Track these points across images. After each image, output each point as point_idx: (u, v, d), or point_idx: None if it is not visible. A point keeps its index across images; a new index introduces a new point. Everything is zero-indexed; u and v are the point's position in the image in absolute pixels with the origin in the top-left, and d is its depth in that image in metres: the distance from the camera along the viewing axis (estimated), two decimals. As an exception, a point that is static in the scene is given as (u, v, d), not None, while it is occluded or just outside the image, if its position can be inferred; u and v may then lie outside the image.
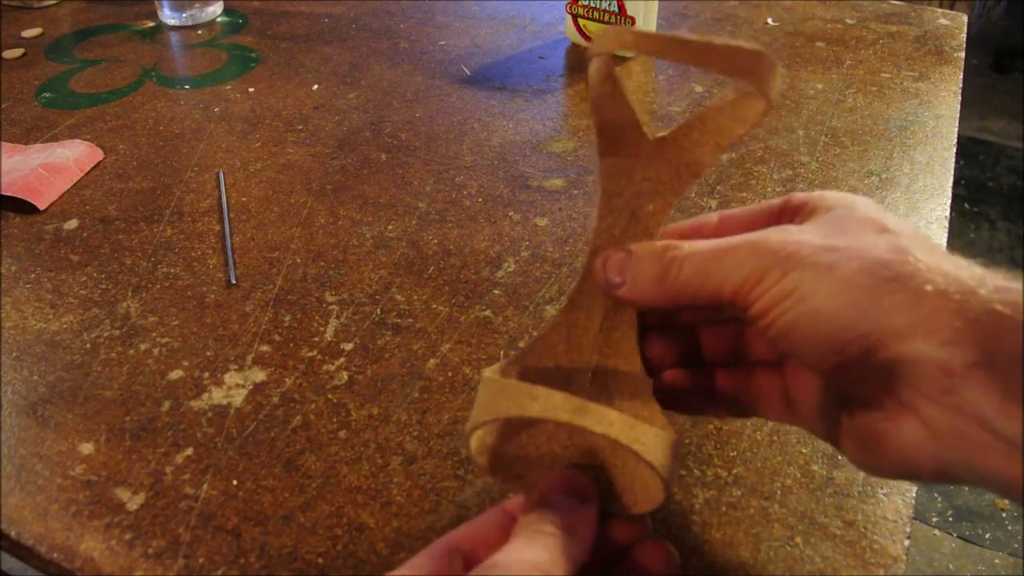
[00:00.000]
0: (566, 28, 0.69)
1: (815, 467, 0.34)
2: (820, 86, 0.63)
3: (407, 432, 0.36)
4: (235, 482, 0.33)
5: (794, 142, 0.56)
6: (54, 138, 0.57)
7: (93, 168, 0.54)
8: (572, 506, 0.26)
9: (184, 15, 0.74)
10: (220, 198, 0.51)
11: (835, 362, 0.24)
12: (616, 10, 0.64)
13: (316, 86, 0.63)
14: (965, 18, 0.74)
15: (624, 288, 0.28)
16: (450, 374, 0.38)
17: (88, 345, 0.40)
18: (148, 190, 0.52)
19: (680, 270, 0.26)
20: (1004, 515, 1.22)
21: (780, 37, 0.71)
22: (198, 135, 0.57)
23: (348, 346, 0.40)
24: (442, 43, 0.70)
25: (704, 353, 0.31)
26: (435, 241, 0.47)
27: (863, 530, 0.31)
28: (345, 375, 0.38)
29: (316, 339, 0.40)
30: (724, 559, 0.31)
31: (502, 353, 0.39)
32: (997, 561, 1.16)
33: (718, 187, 0.51)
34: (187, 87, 0.64)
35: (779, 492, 0.33)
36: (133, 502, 0.33)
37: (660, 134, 0.29)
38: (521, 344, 0.40)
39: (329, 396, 0.37)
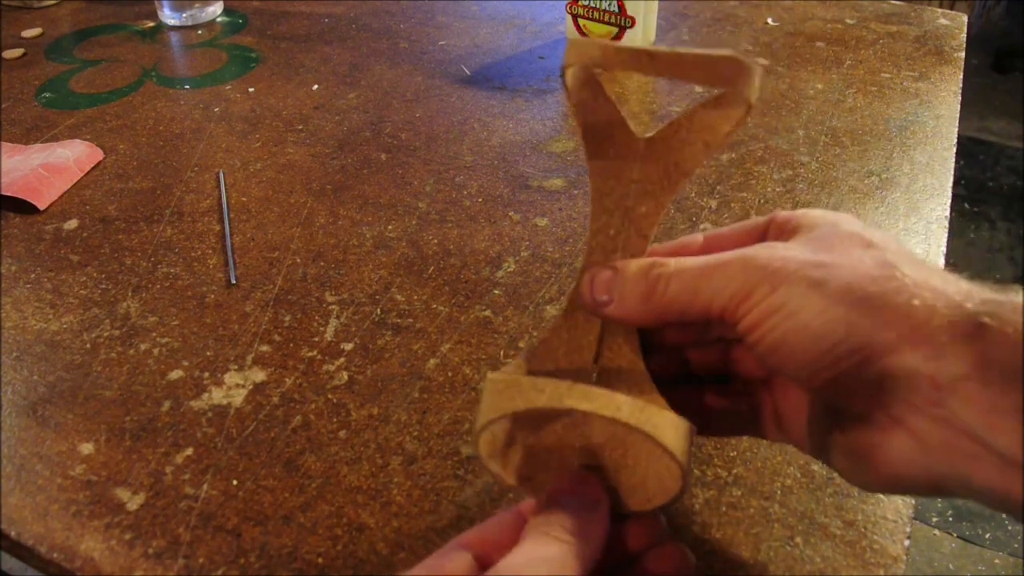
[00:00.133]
0: (566, 28, 0.69)
1: (815, 467, 0.34)
2: (820, 86, 0.63)
3: (407, 432, 0.36)
4: (235, 482, 0.33)
5: (794, 142, 0.56)
6: (54, 138, 0.57)
7: (93, 168, 0.54)
8: (583, 506, 0.26)
9: (184, 15, 0.74)
10: (220, 198, 0.51)
11: (824, 377, 0.24)
12: (616, 10, 0.64)
13: (316, 86, 0.63)
14: (965, 18, 0.74)
15: (611, 306, 0.28)
16: (450, 374, 0.38)
17: (88, 345, 0.40)
18: (148, 190, 0.52)
19: (667, 287, 0.26)
20: (1004, 515, 1.22)
21: (780, 37, 0.71)
22: (198, 135, 0.57)
23: (348, 346, 0.40)
24: (442, 43, 0.70)
25: (693, 371, 0.31)
26: (435, 241, 0.47)
27: (863, 530, 0.31)
28: (345, 375, 0.38)
29: (316, 339, 0.40)
30: (724, 559, 0.31)
31: (502, 353, 0.39)
32: (997, 561, 1.16)
33: (718, 187, 0.51)
34: (187, 87, 0.64)
35: (779, 492, 0.33)
36: (133, 502, 0.33)
37: (648, 134, 0.29)
38: (521, 344, 0.40)
39: (329, 396, 0.37)
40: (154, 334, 0.41)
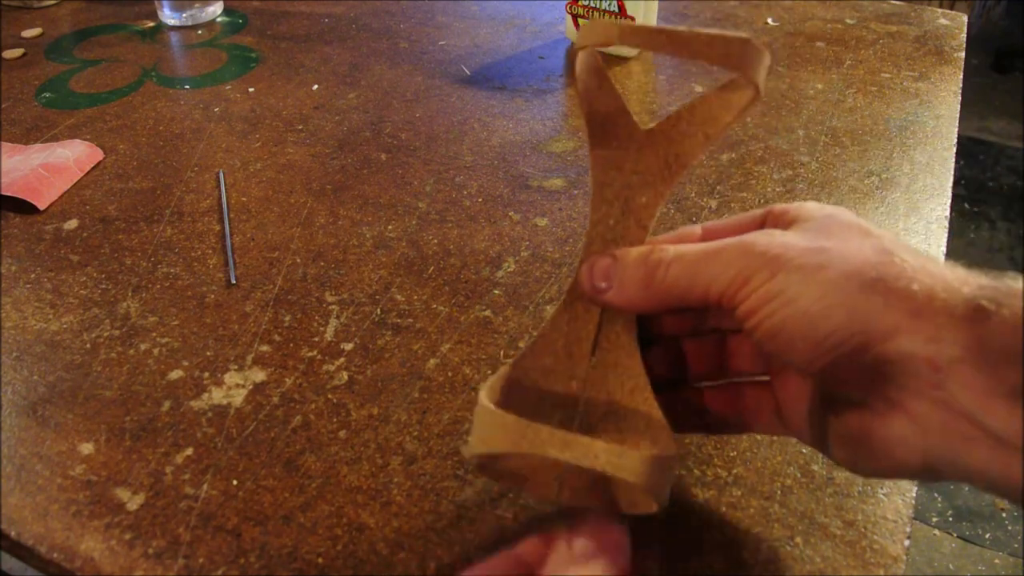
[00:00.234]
0: (566, 28, 0.69)
1: (815, 467, 0.34)
2: (820, 86, 0.63)
3: (407, 432, 0.36)
4: (235, 482, 0.33)
5: (794, 142, 0.56)
6: (54, 138, 0.57)
7: (93, 168, 0.54)
8: (603, 530, 0.25)
9: (184, 15, 0.74)
10: (220, 198, 0.51)
11: (823, 363, 0.24)
12: (616, 10, 0.64)
13: (316, 86, 0.63)
14: (965, 18, 0.74)
15: (610, 293, 0.28)
16: (450, 374, 0.38)
17: (88, 345, 0.40)
18: (148, 190, 0.52)
19: (667, 273, 0.26)
20: (1004, 515, 1.22)
21: (780, 37, 0.71)
22: (198, 135, 0.57)
23: (348, 346, 0.40)
24: (442, 43, 0.70)
25: (689, 363, 0.32)
26: (435, 241, 0.47)
27: (863, 530, 0.31)
28: (345, 375, 0.38)
29: (316, 339, 0.40)
30: (724, 559, 0.31)
31: (502, 353, 0.39)
32: (997, 561, 1.16)
33: (718, 187, 0.51)
34: (187, 87, 0.64)
35: (779, 492, 0.33)
36: (133, 502, 0.33)
37: (649, 126, 0.29)
38: (521, 344, 0.40)
39: (329, 396, 0.37)
40: (154, 334, 0.41)
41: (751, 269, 0.25)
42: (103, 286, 0.44)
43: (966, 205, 1.86)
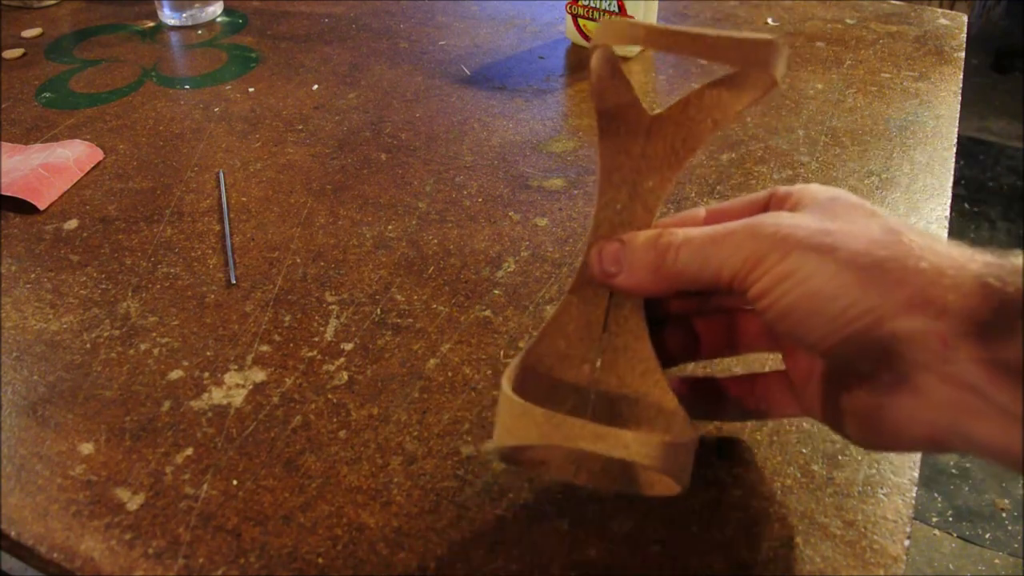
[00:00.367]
0: (566, 28, 0.69)
1: (815, 467, 0.34)
2: (820, 86, 0.63)
3: (407, 432, 0.36)
4: (235, 482, 0.33)
5: (794, 142, 0.56)
6: (54, 138, 0.57)
7: (93, 168, 0.54)
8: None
9: (184, 15, 0.74)
10: (220, 198, 0.51)
11: (835, 340, 0.24)
12: (616, 10, 0.64)
13: (316, 86, 0.63)
14: (965, 18, 0.74)
15: (621, 276, 0.28)
16: (450, 374, 0.38)
17: (88, 345, 0.40)
18: (148, 190, 0.52)
19: (677, 255, 0.27)
20: (1004, 515, 1.22)
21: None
22: (198, 135, 0.57)
23: (348, 346, 0.40)
24: (442, 43, 0.70)
25: (701, 341, 0.32)
26: (435, 241, 0.47)
27: (863, 530, 0.31)
28: (345, 375, 0.38)
29: (316, 339, 0.40)
30: (724, 559, 0.31)
31: (502, 353, 0.39)
32: (997, 561, 1.16)
33: (718, 187, 0.51)
34: (187, 87, 0.64)
35: (779, 492, 0.33)
36: (133, 502, 0.33)
37: (657, 111, 0.29)
38: (521, 344, 0.40)
39: (329, 396, 0.37)
40: (154, 334, 0.41)
41: (763, 250, 0.25)
42: (103, 286, 0.44)
43: (966, 205, 1.86)
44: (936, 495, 1.25)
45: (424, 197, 0.51)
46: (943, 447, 0.25)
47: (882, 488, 0.33)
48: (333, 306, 0.42)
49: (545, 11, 0.76)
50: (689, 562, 0.30)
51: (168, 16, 0.74)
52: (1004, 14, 2.58)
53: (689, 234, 0.27)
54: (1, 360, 0.39)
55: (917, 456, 0.34)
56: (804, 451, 0.35)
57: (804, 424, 0.35)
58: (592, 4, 0.65)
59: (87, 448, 0.35)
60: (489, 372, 0.38)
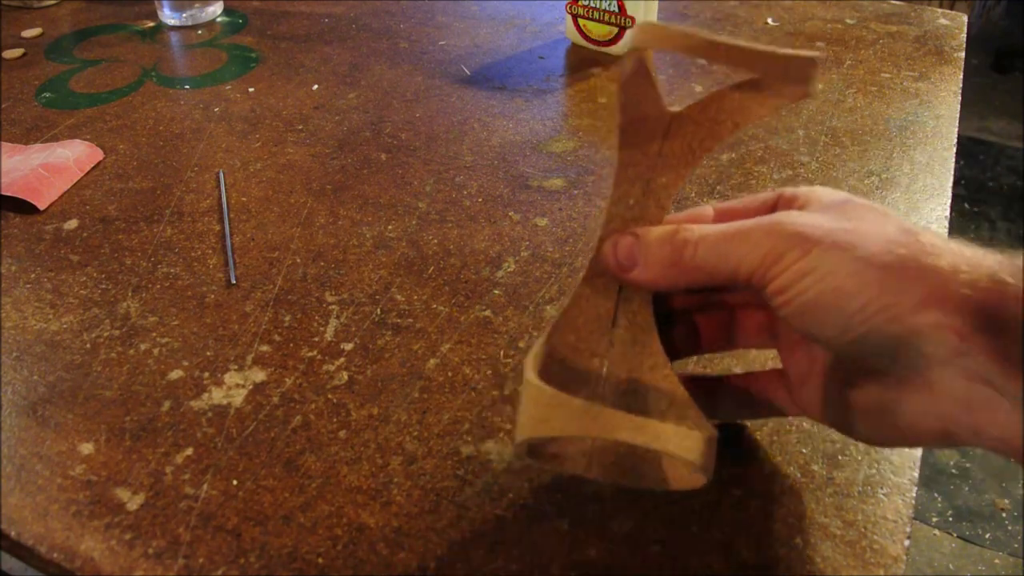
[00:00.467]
0: (566, 28, 0.69)
1: (815, 467, 0.34)
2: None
3: (407, 432, 0.36)
4: (235, 482, 0.33)
5: (794, 142, 0.56)
6: (54, 138, 0.57)
7: (93, 168, 0.54)
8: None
9: (184, 15, 0.74)
10: (220, 198, 0.51)
11: (853, 337, 0.25)
12: (616, 10, 0.64)
13: (316, 86, 0.63)
14: (965, 18, 0.74)
15: (636, 271, 0.29)
16: (450, 374, 0.38)
17: (88, 345, 0.40)
18: (148, 190, 0.52)
19: (695, 251, 0.27)
20: (1004, 515, 1.22)
21: (780, 37, 0.71)
22: (198, 135, 0.57)
23: (348, 346, 0.40)
24: (442, 43, 0.70)
25: (702, 337, 0.33)
26: (435, 241, 0.47)
27: (863, 530, 0.31)
28: (345, 375, 0.38)
29: (316, 339, 0.40)
30: (724, 559, 0.31)
31: (502, 353, 0.39)
32: (997, 561, 1.16)
33: (718, 187, 0.51)
34: (187, 87, 0.64)
35: (779, 492, 0.33)
36: (133, 502, 0.33)
37: (676, 109, 0.29)
38: (521, 344, 0.40)
39: (329, 396, 0.37)
40: (154, 334, 0.41)
41: (783, 247, 0.25)
42: (103, 286, 0.44)
43: (966, 205, 1.86)
44: (936, 495, 1.25)
45: (424, 197, 0.51)
46: (953, 441, 0.25)
47: (882, 488, 0.33)
48: (333, 306, 0.42)
49: (545, 11, 0.76)
50: (689, 562, 0.30)
51: (168, 16, 0.74)
52: (1004, 14, 2.58)
53: (705, 230, 0.27)
54: (1, 360, 0.39)
55: (917, 456, 0.35)
56: (804, 451, 0.35)
57: (804, 424, 0.36)
58: (592, 4, 0.65)
59: (87, 448, 0.35)
60: (489, 372, 0.38)
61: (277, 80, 0.64)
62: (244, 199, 0.50)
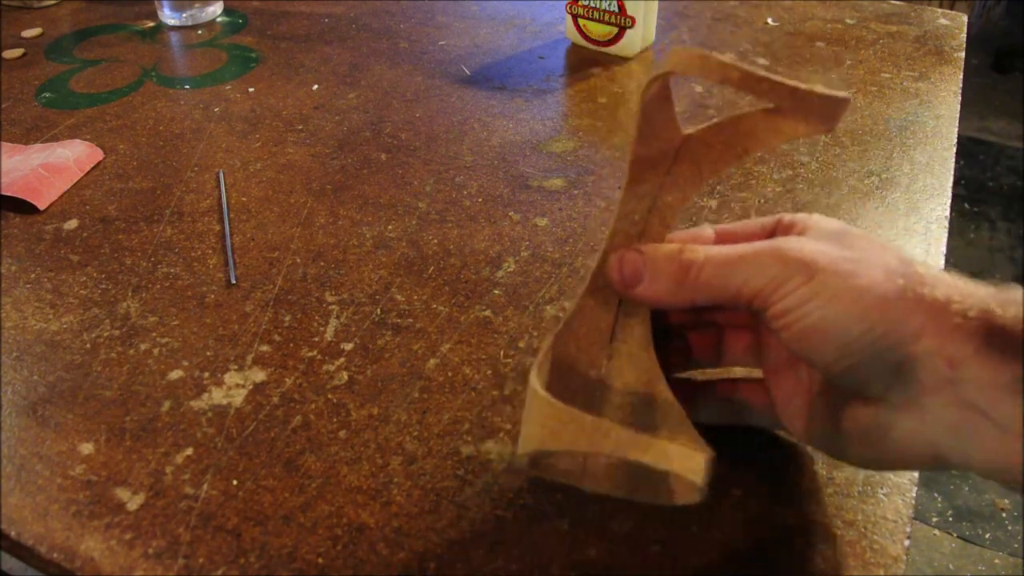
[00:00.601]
0: (566, 28, 0.69)
1: (815, 467, 0.34)
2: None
3: (407, 432, 0.36)
4: (235, 482, 0.33)
5: (794, 142, 0.56)
6: (54, 138, 0.57)
7: (93, 168, 0.54)
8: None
9: (184, 15, 0.74)
10: (220, 198, 0.51)
11: (850, 363, 0.26)
12: (616, 10, 0.64)
13: (316, 86, 0.63)
14: (965, 18, 0.74)
15: (641, 287, 0.29)
16: (450, 374, 0.38)
17: (88, 345, 0.40)
18: (148, 190, 0.52)
19: (700, 272, 0.28)
20: (1004, 515, 1.22)
21: (780, 37, 0.71)
22: (198, 135, 0.57)
23: (348, 346, 0.40)
24: (442, 43, 0.70)
25: (694, 354, 0.34)
26: (435, 241, 0.47)
27: (863, 530, 0.31)
28: (345, 375, 0.38)
29: (316, 339, 0.40)
30: (724, 559, 0.31)
31: (502, 353, 0.39)
32: (997, 561, 1.16)
33: (718, 187, 0.51)
34: (187, 87, 0.64)
35: (779, 492, 0.33)
36: (133, 502, 0.33)
37: (689, 131, 0.29)
38: (521, 344, 0.40)
39: (329, 396, 0.37)
40: (154, 334, 0.41)
41: (788, 272, 0.26)
42: (103, 286, 0.44)
43: (966, 205, 1.86)
44: (936, 495, 1.25)
45: (424, 197, 0.51)
46: (942, 465, 0.26)
47: (882, 488, 0.33)
48: (333, 306, 0.42)
49: (545, 11, 0.76)
50: (689, 562, 0.30)
51: (168, 16, 0.74)
52: (1004, 14, 2.58)
53: (710, 251, 0.28)
54: (1, 360, 0.39)
55: (917, 456, 0.35)
56: (804, 451, 0.34)
57: (804, 424, 0.36)
58: (592, 4, 0.65)
59: (87, 448, 0.35)
60: (489, 372, 0.38)
61: (277, 80, 0.64)
62: (244, 199, 0.51)
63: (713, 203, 0.50)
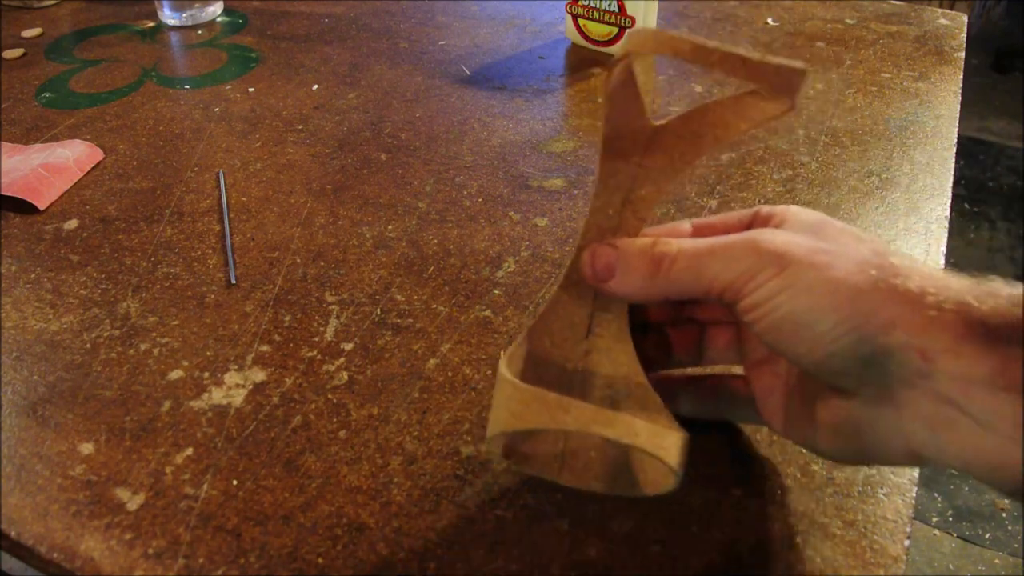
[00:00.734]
0: (566, 28, 0.69)
1: (815, 467, 0.34)
2: (820, 86, 0.63)
3: (407, 432, 0.36)
4: (235, 482, 0.33)
5: (794, 142, 0.56)
6: (54, 138, 0.57)
7: (93, 168, 0.54)
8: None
9: (184, 15, 0.74)
10: (220, 198, 0.51)
11: (822, 355, 0.25)
12: (616, 10, 0.64)
13: (316, 86, 0.63)
14: (965, 18, 0.74)
15: (613, 281, 0.29)
16: (450, 374, 0.38)
17: (88, 345, 0.40)
18: (148, 190, 0.52)
19: (672, 265, 0.28)
20: (1004, 515, 1.22)
21: (780, 37, 0.71)
22: (198, 135, 0.57)
23: (348, 346, 0.40)
24: (442, 43, 0.70)
25: (673, 350, 0.34)
26: (435, 241, 0.47)
27: (863, 530, 0.31)
28: (345, 375, 0.38)
29: (316, 339, 0.40)
30: (724, 559, 0.31)
31: (502, 353, 0.39)
32: (997, 561, 1.16)
33: (718, 187, 0.51)
34: (187, 87, 0.64)
35: (779, 492, 0.33)
36: (133, 502, 0.33)
37: (660, 122, 0.29)
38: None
39: (329, 396, 0.37)
40: (154, 334, 0.41)
41: (759, 264, 0.26)
42: (103, 286, 0.44)
43: (966, 205, 1.86)
44: (936, 495, 1.25)
45: (424, 197, 0.51)
46: (918, 461, 0.26)
47: (882, 488, 0.33)
48: (333, 306, 0.42)
49: (545, 11, 0.76)
50: (689, 562, 0.30)
51: (168, 16, 0.74)
52: (1004, 14, 2.58)
53: (683, 245, 0.28)
54: (1, 360, 0.39)
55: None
56: (804, 451, 0.34)
57: (804, 424, 0.36)
58: (592, 4, 0.65)
59: (87, 448, 0.35)
60: (489, 372, 0.38)
61: (277, 80, 0.64)
62: (244, 199, 0.51)
63: (713, 203, 0.50)
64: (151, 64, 0.67)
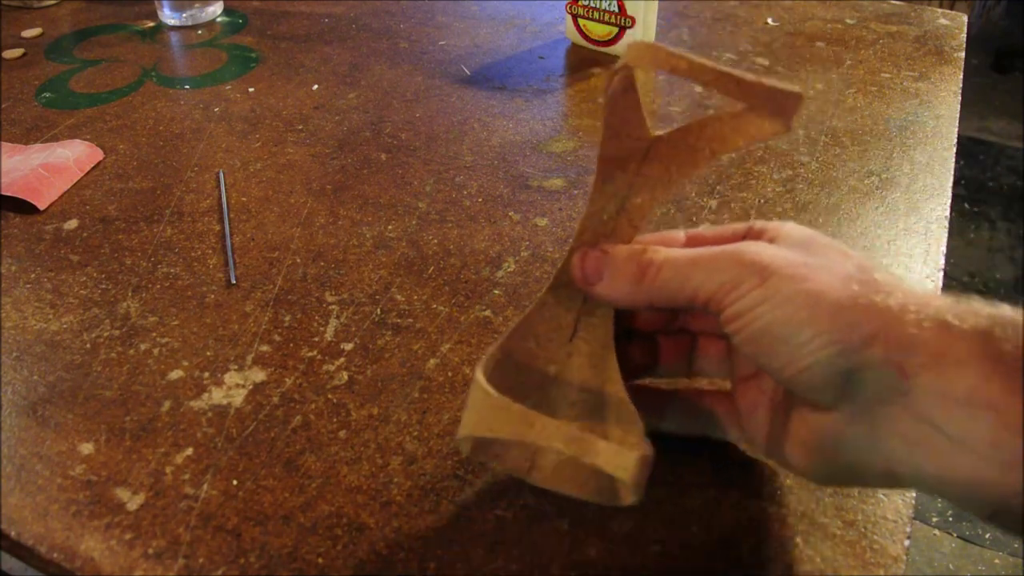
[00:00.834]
0: (566, 28, 0.69)
1: (815, 467, 0.34)
2: (820, 86, 0.63)
3: (407, 432, 0.36)
4: (235, 482, 0.33)
5: (794, 142, 0.56)
6: (54, 138, 0.57)
7: (93, 168, 0.54)
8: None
9: (184, 15, 0.74)
10: (220, 198, 0.51)
11: (799, 367, 0.25)
12: (616, 10, 0.64)
13: (316, 86, 0.63)
14: (965, 18, 0.74)
15: (600, 285, 0.29)
16: (450, 374, 0.38)
17: (88, 345, 0.40)
18: (148, 190, 0.52)
19: (658, 273, 0.28)
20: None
21: (780, 37, 0.71)
22: (198, 135, 0.57)
23: (348, 346, 0.40)
24: (442, 43, 0.70)
25: (661, 359, 0.34)
26: (435, 241, 0.47)
27: (863, 530, 0.31)
28: (345, 375, 0.38)
29: (316, 339, 0.40)
30: (724, 559, 0.31)
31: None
32: (997, 561, 1.16)
33: (718, 187, 0.51)
34: (187, 87, 0.64)
35: (779, 492, 0.33)
36: (133, 502, 0.33)
37: (658, 133, 0.29)
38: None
39: (329, 396, 0.37)
40: (154, 334, 0.41)
41: (741, 275, 0.26)
42: (103, 286, 0.44)
43: (966, 205, 1.86)
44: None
45: (424, 197, 0.51)
46: (895, 482, 0.26)
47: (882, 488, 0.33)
48: (333, 306, 0.42)
49: (545, 11, 0.76)
50: (689, 562, 0.30)
51: (168, 16, 0.74)
52: (1004, 14, 2.58)
53: (671, 254, 0.28)
54: (1, 360, 0.39)
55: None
56: (804, 451, 0.34)
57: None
58: (592, 4, 0.65)
59: (87, 448, 0.35)
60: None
61: (277, 80, 0.64)
62: (244, 199, 0.51)
63: (713, 203, 0.50)
64: (151, 64, 0.67)
